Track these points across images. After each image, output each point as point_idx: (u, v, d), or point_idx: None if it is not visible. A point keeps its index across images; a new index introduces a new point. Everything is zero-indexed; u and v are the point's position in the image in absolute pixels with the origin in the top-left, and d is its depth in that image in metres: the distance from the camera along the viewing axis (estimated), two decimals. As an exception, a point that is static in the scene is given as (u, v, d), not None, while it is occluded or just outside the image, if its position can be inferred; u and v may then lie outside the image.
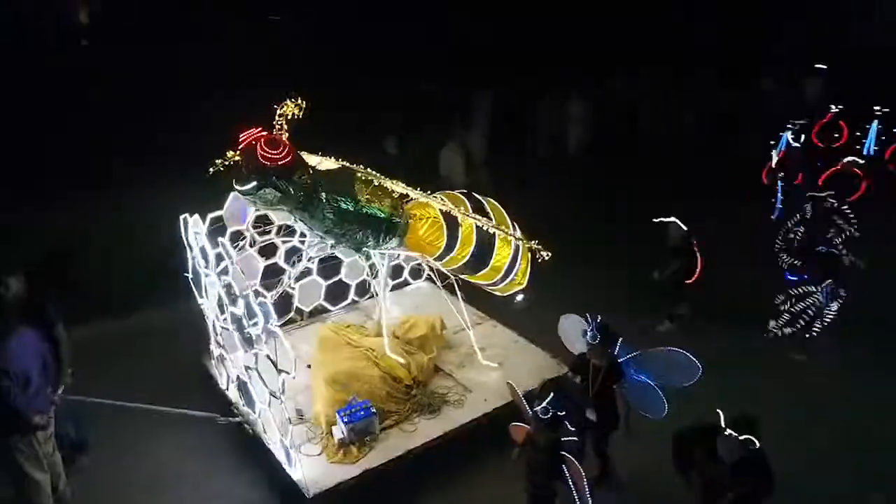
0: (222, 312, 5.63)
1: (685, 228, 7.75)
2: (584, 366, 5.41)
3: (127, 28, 10.34)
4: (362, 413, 5.68)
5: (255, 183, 5.26)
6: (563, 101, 14.24)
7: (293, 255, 6.91)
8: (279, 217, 6.72)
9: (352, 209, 5.71)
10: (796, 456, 5.49)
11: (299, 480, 5.22)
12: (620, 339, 5.36)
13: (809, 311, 7.40)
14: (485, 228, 5.85)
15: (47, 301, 5.42)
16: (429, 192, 6.14)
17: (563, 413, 4.52)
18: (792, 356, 7.50)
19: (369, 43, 10.97)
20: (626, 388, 5.29)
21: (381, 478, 5.46)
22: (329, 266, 7.62)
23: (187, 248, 5.98)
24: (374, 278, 6.91)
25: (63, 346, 5.45)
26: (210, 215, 6.11)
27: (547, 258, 5.51)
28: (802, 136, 11.65)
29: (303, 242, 6.79)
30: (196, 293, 6.08)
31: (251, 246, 6.52)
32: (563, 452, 4.52)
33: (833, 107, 12.73)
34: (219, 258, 5.32)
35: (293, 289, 7.35)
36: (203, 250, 5.50)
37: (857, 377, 7.11)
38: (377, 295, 6.91)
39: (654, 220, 7.77)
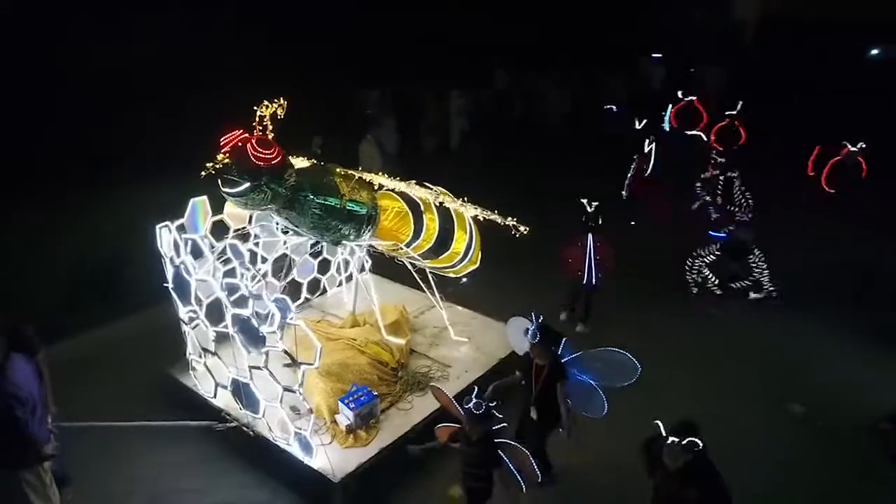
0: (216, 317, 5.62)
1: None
2: (528, 365, 5.50)
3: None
4: (364, 398, 5.92)
5: (248, 184, 5.31)
6: (449, 95, 14.95)
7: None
8: (235, 222, 6.76)
9: (337, 206, 5.90)
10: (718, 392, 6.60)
11: (323, 468, 5.39)
12: (564, 339, 5.47)
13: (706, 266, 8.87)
14: (474, 212, 6.23)
15: (25, 324, 5.12)
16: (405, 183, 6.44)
17: (495, 404, 4.68)
18: (710, 311, 8.76)
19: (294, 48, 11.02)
20: (568, 387, 5.36)
21: (390, 456, 5.77)
22: (277, 267, 7.66)
23: (165, 258, 5.85)
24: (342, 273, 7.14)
25: (46, 370, 5.17)
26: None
27: (525, 232, 6.07)
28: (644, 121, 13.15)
29: (257, 244, 6.89)
30: (178, 302, 5.94)
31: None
32: (498, 439, 4.65)
33: (679, 93, 14.48)
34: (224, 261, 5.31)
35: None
36: (194, 255, 5.45)
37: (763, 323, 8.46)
38: (365, 288, 7.17)
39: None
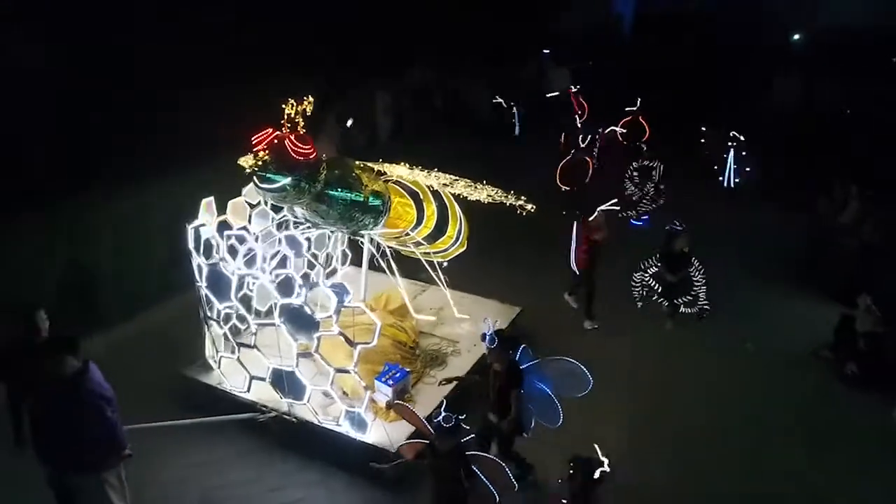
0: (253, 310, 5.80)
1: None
2: (486, 370, 5.62)
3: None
4: (399, 375, 6.33)
5: (289, 179, 5.55)
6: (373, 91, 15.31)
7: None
8: (237, 221, 6.89)
9: (361, 199, 6.24)
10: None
11: (379, 441, 5.76)
12: (522, 346, 5.51)
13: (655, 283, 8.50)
14: (491, 194, 6.72)
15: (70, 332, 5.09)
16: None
17: (464, 417, 4.66)
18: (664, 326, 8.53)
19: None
20: (523, 394, 5.37)
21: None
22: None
23: (196, 256, 5.93)
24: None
25: None
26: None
27: (532, 210, 6.69)
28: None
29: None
30: (214, 300, 6.03)
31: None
32: (469, 452, 4.65)
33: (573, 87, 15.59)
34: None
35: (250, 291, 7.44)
36: (232, 248, 5.62)
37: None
38: (391, 271, 7.48)
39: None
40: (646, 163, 11.78)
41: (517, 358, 5.44)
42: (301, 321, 5.59)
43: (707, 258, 8.68)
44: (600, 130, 12.74)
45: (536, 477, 5.79)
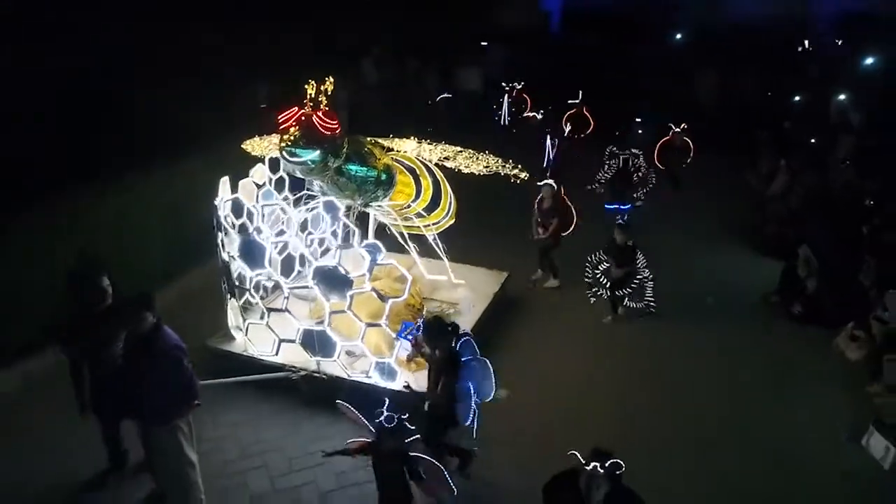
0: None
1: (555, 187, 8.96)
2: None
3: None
4: (416, 331, 6.90)
5: (317, 153, 6.08)
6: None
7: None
8: (248, 200, 7.32)
9: (375, 172, 6.81)
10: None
11: (404, 387, 6.35)
12: (466, 338, 5.52)
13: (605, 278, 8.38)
14: (489, 164, 7.40)
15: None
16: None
17: (406, 416, 4.61)
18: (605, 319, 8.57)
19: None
20: (455, 385, 5.40)
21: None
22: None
23: (227, 228, 6.35)
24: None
25: None
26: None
27: (525, 178, 7.42)
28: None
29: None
30: (247, 268, 6.44)
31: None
32: (413, 454, 4.56)
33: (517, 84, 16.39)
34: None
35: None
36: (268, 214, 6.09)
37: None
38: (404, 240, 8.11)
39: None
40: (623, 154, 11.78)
41: (458, 349, 5.46)
42: (334, 281, 6.12)
43: (662, 231, 9.69)
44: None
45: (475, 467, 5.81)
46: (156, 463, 5.27)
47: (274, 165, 7.46)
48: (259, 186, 7.43)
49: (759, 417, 6.83)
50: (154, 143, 8.53)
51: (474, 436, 5.64)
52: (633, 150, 11.43)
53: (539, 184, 8.90)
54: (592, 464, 3.89)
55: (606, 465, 3.87)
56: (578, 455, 4.01)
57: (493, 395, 5.53)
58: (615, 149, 11.49)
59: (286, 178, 7.62)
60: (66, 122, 8.46)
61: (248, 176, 7.23)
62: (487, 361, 5.50)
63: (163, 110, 8.99)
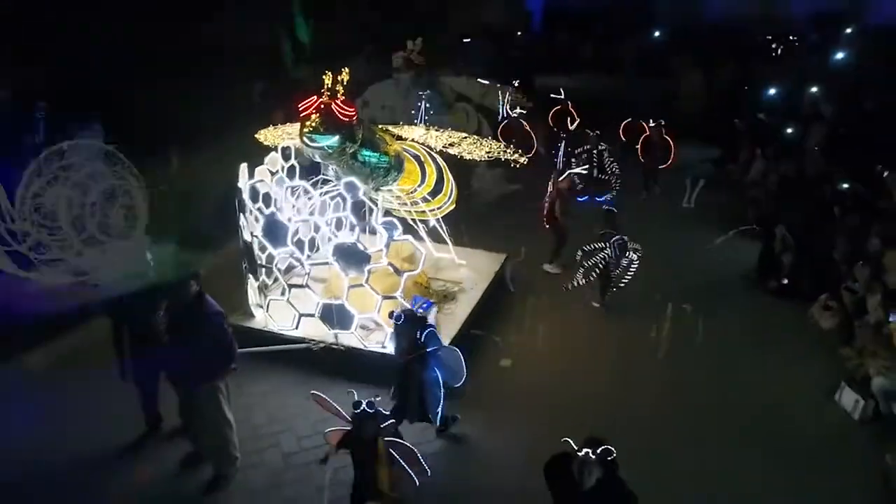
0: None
1: None
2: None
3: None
4: (426, 305, 7.37)
5: (336, 139, 6.56)
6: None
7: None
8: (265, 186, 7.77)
9: (386, 158, 7.31)
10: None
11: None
12: (430, 329, 5.79)
13: (600, 265, 8.40)
14: (491, 150, 7.87)
15: None
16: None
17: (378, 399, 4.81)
18: (592, 303, 8.86)
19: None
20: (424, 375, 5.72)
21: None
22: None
23: (251, 211, 6.82)
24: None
25: None
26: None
27: (525, 162, 7.96)
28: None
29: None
30: (270, 247, 6.90)
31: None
32: (389, 438, 4.78)
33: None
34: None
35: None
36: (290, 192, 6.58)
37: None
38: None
39: None
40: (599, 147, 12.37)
41: (423, 340, 5.72)
42: (353, 257, 6.61)
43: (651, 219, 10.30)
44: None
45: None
46: (195, 423, 5.72)
47: (286, 154, 7.94)
48: (273, 173, 7.90)
49: (742, 381, 7.41)
50: (169, 136, 8.96)
51: (437, 423, 6.07)
52: (604, 144, 12.17)
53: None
54: (584, 450, 3.99)
55: (598, 451, 3.97)
56: (571, 442, 4.10)
57: (460, 383, 5.90)
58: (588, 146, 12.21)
59: (297, 166, 8.10)
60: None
61: (262, 164, 7.70)
62: (457, 350, 5.89)
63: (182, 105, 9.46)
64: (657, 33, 23.97)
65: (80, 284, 7.75)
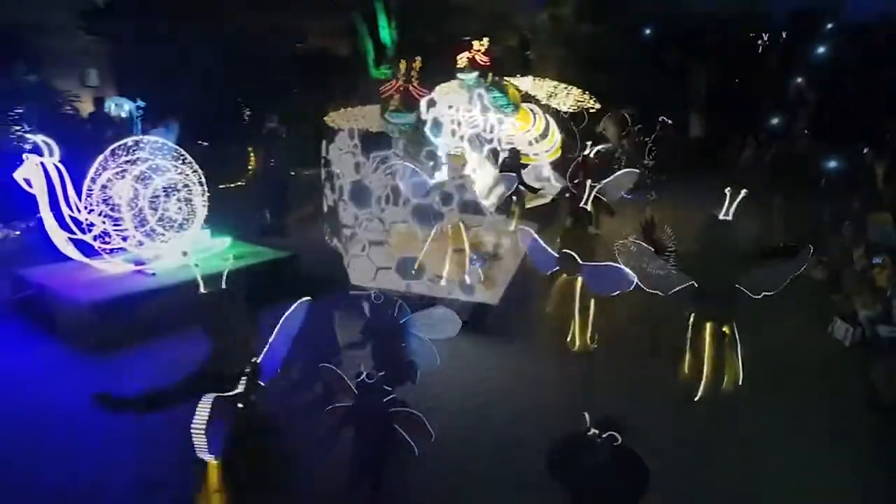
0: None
1: None
2: None
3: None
4: (483, 261, 8.70)
5: (413, 116, 7.82)
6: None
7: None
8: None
9: (507, 102, 8.89)
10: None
11: (484, 299, 8.11)
12: (399, 303, 5.76)
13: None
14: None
15: None
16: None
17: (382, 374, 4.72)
18: None
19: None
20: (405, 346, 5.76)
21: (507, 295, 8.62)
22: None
23: (341, 176, 8.04)
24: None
25: None
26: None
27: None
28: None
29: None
30: (358, 212, 8.12)
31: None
32: (392, 409, 4.73)
33: None
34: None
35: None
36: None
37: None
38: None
39: None
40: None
41: (395, 315, 5.75)
42: (427, 216, 7.84)
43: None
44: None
45: None
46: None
47: (352, 134, 9.12)
48: (341, 151, 9.10)
49: (747, 325, 8.69)
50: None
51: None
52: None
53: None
54: (592, 430, 3.79)
55: (604, 435, 3.76)
56: (587, 416, 3.86)
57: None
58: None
59: (359, 144, 9.27)
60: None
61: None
62: (430, 342, 5.78)
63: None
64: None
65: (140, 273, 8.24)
